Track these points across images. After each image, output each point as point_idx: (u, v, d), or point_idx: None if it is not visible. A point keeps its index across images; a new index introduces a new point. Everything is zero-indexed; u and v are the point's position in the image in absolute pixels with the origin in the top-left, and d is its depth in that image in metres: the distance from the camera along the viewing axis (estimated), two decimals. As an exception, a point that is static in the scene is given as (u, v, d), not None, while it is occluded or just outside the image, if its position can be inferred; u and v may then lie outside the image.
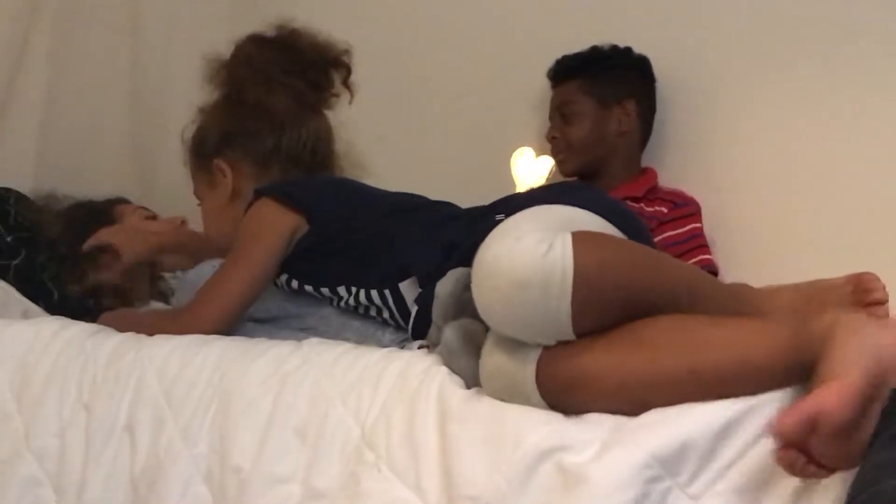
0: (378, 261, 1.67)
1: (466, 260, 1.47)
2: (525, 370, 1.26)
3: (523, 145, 2.60)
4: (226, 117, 1.89)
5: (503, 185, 2.50)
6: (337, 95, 1.93)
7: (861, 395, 1.07)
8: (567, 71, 2.47)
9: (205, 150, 1.90)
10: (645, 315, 1.25)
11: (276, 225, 1.71)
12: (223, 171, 1.87)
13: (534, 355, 1.26)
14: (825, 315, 1.17)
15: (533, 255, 1.20)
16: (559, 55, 2.49)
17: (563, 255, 1.21)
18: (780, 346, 1.17)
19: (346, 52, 1.92)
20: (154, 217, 2.31)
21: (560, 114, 2.47)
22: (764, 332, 1.20)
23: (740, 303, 1.32)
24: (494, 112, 2.65)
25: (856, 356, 1.09)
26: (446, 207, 1.77)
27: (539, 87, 2.56)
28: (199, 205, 1.95)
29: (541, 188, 1.75)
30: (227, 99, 1.90)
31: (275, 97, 1.87)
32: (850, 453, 1.09)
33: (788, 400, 1.16)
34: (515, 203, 1.52)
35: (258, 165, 1.87)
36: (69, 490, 1.50)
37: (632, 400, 1.22)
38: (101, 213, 2.26)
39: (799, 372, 1.15)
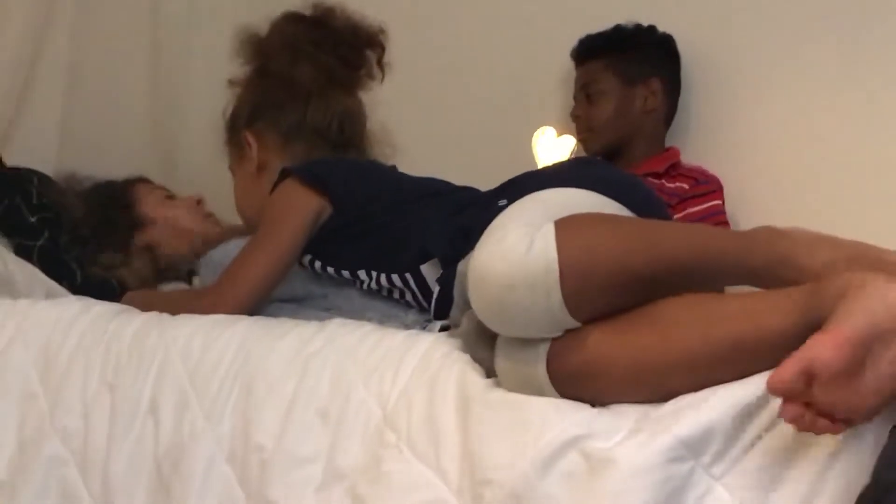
0: (398, 246, 1.68)
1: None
2: (536, 369, 1.24)
3: (545, 125, 2.59)
4: (254, 90, 1.92)
5: (525, 165, 2.49)
6: (371, 77, 1.94)
7: (855, 341, 1.03)
8: (591, 50, 2.46)
9: (236, 124, 1.94)
10: (658, 291, 1.20)
11: (302, 207, 1.72)
12: (249, 143, 1.90)
13: (542, 351, 1.24)
14: (841, 276, 1.12)
15: (515, 255, 1.18)
16: (582, 34, 2.48)
17: (544, 248, 1.17)
18: (794, 309, 1.13)
19: (381, 31, 1.92)
20: (172, 197, 2.32)
21: (584, 93, 2.45)
22: (777, 298, 1.16)
23: (765, 256, 1.21)
24: (517, 91, 2.64)
25: (857, 307, 1.05)
26: (468, 193, 1.77)
27: (561, 66, 2.55)
28: (233, 180, 1.99)
29: (546, 168, 1.74)
30: (257, 71, 1.93)
31: (300, 68, 1.88)
32: (860, 403, 1.05)
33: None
34: (519, 186, 1.51)
35: (283, 138, 1.88)
36: (93, 469, 1.51)
37: (648, 382, 1.20)
38: (119, 193, 2.27)
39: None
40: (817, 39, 2.31)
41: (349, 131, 1.91)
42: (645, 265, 1.19)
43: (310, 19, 1.92)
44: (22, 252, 2.05)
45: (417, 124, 2.60)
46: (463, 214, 1.65)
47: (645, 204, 1.42)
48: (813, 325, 1.09)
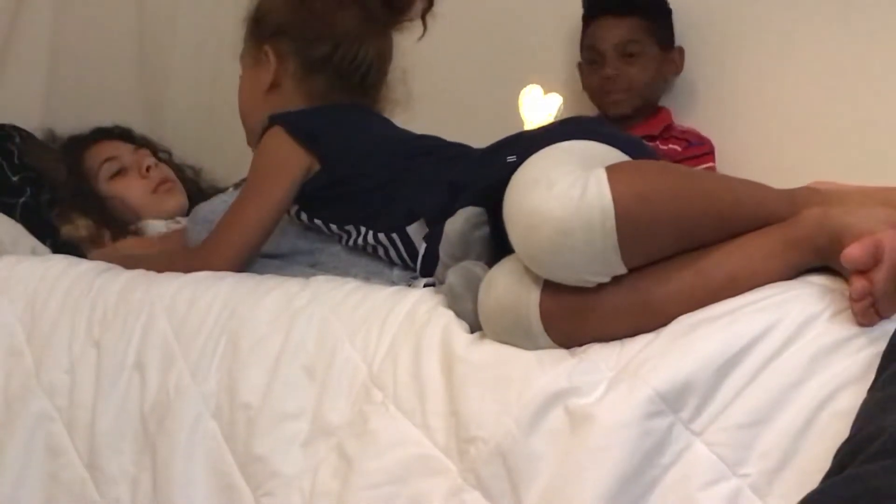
0: (386, 205, 1.67)
1: (475, 199, 1.48)
2: (528, 300, 1.27)
3: (532, 83, 2.57)
4: (289, 11, 1.84)
5: (510, 122, 2.49)
6: (411, 20, 1.88)
7: None
8: (624, 5, 2.38)
9: (259, 28, 1.86)
10: (704, 239, 1.23)
11: (289, 162, 1.71)
12: (269, 58, 1.84)
13: (537, 284, 1.26)
14: (811, 209, 1.24)
15: (569, 200, 1.19)
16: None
17: (599, 193, 1.19)
18: (782, 241, 1.22)
19: None
20: (123, 168, 2.26)
21: (620, 52, 2.38)
22: (766, 233, 1.24)
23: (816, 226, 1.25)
24: (504, 48, 2.62)
25: (876, 220, 1.17)
26: (459, 149, 1.76)
27: (551, 23, 2.54)
28: (240, 74, 1.92)
29: (551, 125, 1.73)
30: None
31: (344, 13, 1.82)
32: None
33: (786, 338, 1.17)
34: (526, 142, 1.51)
35: (305, 69, 1.83)
36: (80, 425, 1.52)
37: (642, 315, 1.24)
38: (84, 165, 2.25)
39: (796, 261, 1.23)
40: (813, 3, 2.30)
41: (372, 79, 1.86)
42: (698, 212, 1.23)
43: None
44: (4, 210, 2.04)
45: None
46: (456, 170, 1.65)
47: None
48: (803, 254, 1.21)
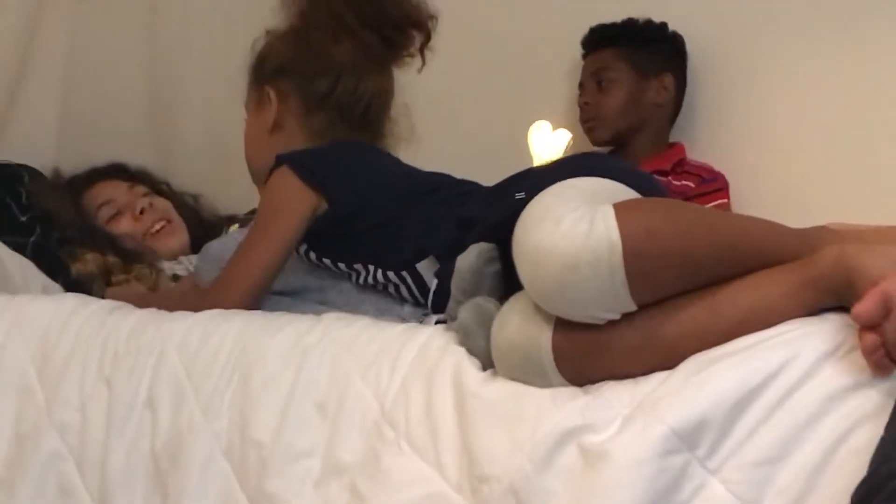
0: (394, 242, 1.68)
1: (485, 235, 1.48)
2: (540, 338, 1.26)
3: (541, 118, 2.59)
4: (287, 50, 1.87)
5: (520, 159, 2.49)
6: (412, 55, 1.89)
7: None
8: (604, 38, 2.45)
9: (260, 72, 1.89)
10: (713, 276, 1.23)
11: (296, 202, 1.72)
12: (270, 99, 1.86)
13: (549, 323, 1.26)
14: (829, 248, 1.22)
15: (577, 236, 1.19)
16: (583, 29, 2.48)
17: (606, 229, 1.19)
18: (799, 281, 1.22)
19: (432, 17, 1.87)
20: (118, 212, 2.26)
21: (595, 80, 2.44)
22: (781, 272, 1.23)
23: (828, 266, 1.24)
24: (513, 85, 2.64)
25: (891, 260, 1.16)
26: (467, 186, 1.77)
27: (559, 60, 2.56)
28: (245, 119, 1.95)
29: (559, 161, 1.73)
30: (295, 33, 1.88)
31: (341, 47, 1.84)
32: None
33: (802, 375, 1.17)
34: (534, 179, 1.51)
35: (306, 106, 1.85)
36: (91, 464, 1.51)
37: (655, 354, 1.23)
38: (80, 186, 2.25)
39: (811, 300, 1.22)
40: (824, 36, 2.31)
41: (373, 113, 1.88)
42: (705, 248, 1.23)
43: None
44: (15, 249, 2.05)
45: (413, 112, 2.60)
46: (465, 207, 1.65)
47: (657, 196, 1.43)
48: (819, 293, 1.20)
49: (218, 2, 2.70)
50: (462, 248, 1.49)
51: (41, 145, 2.39)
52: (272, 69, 1.87)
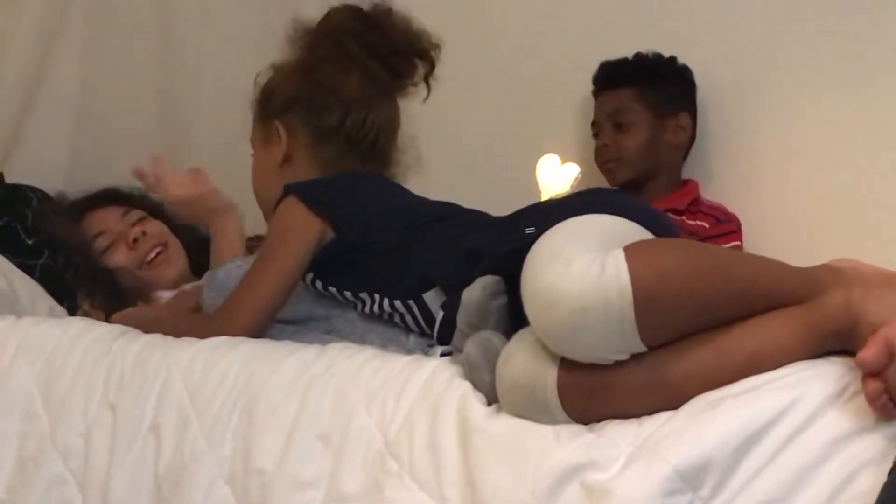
0: (402, 272, 1.68)
1: (492, 268, 1.48)
2: (545, 376, 1.26)
3: (549, 152, 2.59)
4: (296, 84, 1.87)
5: (527, 191, 2.50)
6: (415, 85, 1.90)
7: None
8: (619, 78, 2.45)
9: (268, 107, 1.90)
10: (723, 317, 1.23)
11: (303, 230, 1.72)
12: (280, 134, 1.86)
13: (554, 361, 1.26)
14: (834, 290, 1.23)
15: (587, 278, 1.19)
16: (590, 62, 2.49)
17: (617, 272, 1.19)
18: (806, 322, 1.23)
19: (437, 47, 1.88)
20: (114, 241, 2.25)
21: (613, 122, 2.44)
22: (788, 313, 1.24)
23: (837, 309, 1.25)
24: (521, 117, 2.64)
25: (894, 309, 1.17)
26: (475, 215, 1.77)
27: (567, 93, 2.56)
28: (251, 154, 1.95)
29: (569, 196, 1.73)
30: (303, 65, 1.88)
31: (349, 79, 1.85)
32: None
33: (807, 418, 1.17)
34: (544, 213, 1.52)
35: (316, 139, 1.85)
36: (94, 489, 1.52)
37: (661, 394, 1.23)
38: (75, 216, 2.25)
39: (816, 343, 1.23)
40: (841, 71, 2.30)
41: (382, 144, 1.88)
42: (716, 292, 1.23)
43: (368, 19, 1.86)
44: (24, 271, 2.05)
45: (422, 143, 2.61)
46: (473, 237, 1.66)
47: (670, 236, 1.44)
48: (824, 337, 1.22)
49: (230, 28, 2.72)
50: (469, 279, 1.49)
51: (52, 168, 2.40)
52: (281, 103, 1.88)
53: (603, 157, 2.47)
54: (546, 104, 2.62)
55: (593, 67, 2.52)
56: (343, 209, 1.73)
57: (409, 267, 1.68)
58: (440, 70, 2.09)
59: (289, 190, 1.76)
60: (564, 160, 2.57)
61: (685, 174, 2.48)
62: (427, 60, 1.88)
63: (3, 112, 2.35)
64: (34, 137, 2.39)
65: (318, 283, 1.75)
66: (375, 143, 1.87)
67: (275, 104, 1.89)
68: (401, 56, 1.87)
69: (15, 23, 2.33)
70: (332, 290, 1.74)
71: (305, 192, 1.75)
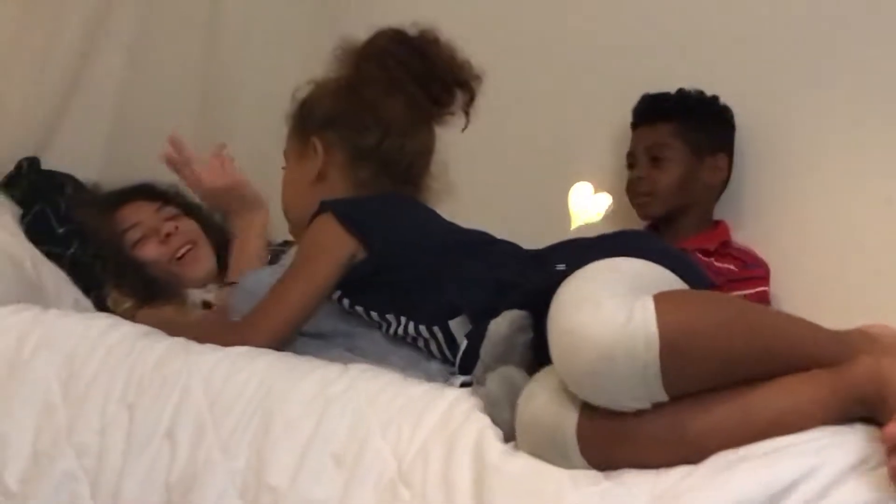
0: (429, 296, 1.68)
1: (520, 302, 1.47)
2: (565, 419, 1.26)
3: (582, 180, 2.58)
4: (338, 101, 1.88)
5: (558, 220, 2.50)
6: (452, 114, 1.91)
7: None
8: (659, 112, 2.44)
9: (306, 123, 1.90)
10: (749, 373, 1.23)
11: (337, 248, 1.72)
12: (316, 150, 1.86)
13: (576, 404, 1.26)
14: (864, 357, 1.22)
15: (614, 325, 1.19)
16: (627, 94, 2.48)
17: (644, 321, 1.19)
18: (832, 389, 1.22)
19: (478, 78, 1.89)
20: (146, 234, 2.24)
21: (649, 156, 2.43)
22: (814, 377, 1.23)
23: (865, 375, 1.23)
24: (556, 145, 2.63)
25: None
26: (508, 247, 1.77)
27: (605, 122, 2.55)
28: (283, 167, 1.95)
29: (602, 237, 1.73)
30: (347, 84, 1.89)
31: (392, 101, 1.85)
32: None
33: (826, 485, 1.16)
34: (575, 251, 1.51)
35: (352, 158, 1.86)
36: (105, 488, 1.52)
37: (681, 449, 1.22)
38: (108, 208, 2.26)
39: (842, 408, 1.21)
40: (875, 119, 2.29)
41: (416, 169, 1.89)
42: (743, 348, 1.23)
43: (414, 45, 1.87)
44: (52, 259, 2.06)
45: (454, 169, 2.61)
46: (503, 269, 1.65)
47: (700, 285, 1.43)
48: (845, 403, 1.21)
49: (276, 30, 2.72)
50: (496, 311, 1.49)
51: (89, 158, 2.40)
52: (321, 120, 1.88)
53: (636, 190, 2.46)
54: (582, 133, 2.61)
55: (631, 99, 2.51)
56: (377, 229, 1.73)
57: (438, 292, 1.68)
58: (482, 93, 2.10)
59: (325, 206, 1.76)
60: (597, 189, 2.56)
61: (717, 215, 2.47)
62: (467, 91, 1.89)
63: (46, 99, 2.35)
64: (74, 126, 2.40)
65: (346, 302, 1.75)
66: (410, 168, 1.88)
67: (314, 120, 1.89)
68: (443, 84, 1.87)
69: (64, 11, 2.33)
70: (359, 309, 1.74)
71: (341, 210, 1.75)
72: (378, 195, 1.84)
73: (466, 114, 1.90)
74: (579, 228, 2.55)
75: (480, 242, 1.78)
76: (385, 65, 1.86)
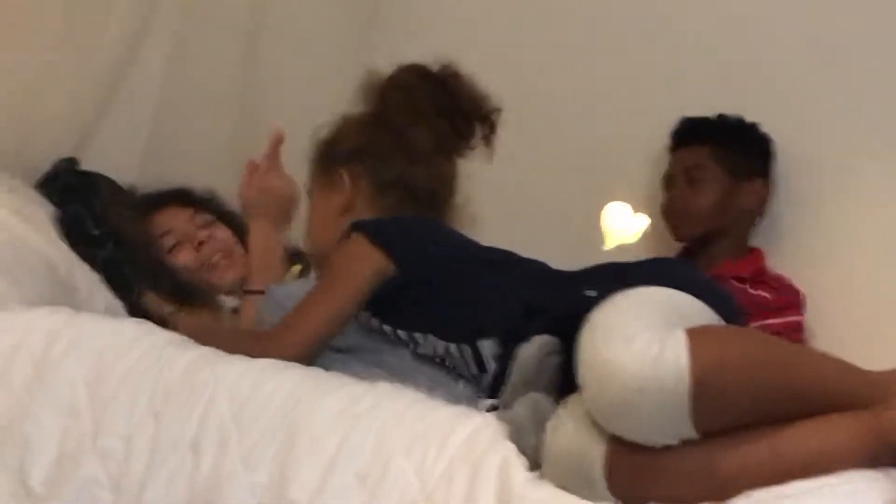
0: (459, 316, 1.68)
1: (550, 327, 1.46)
2: (593, 451, 1.25)
3: (617, 200, 2.56)
4: (364, 133, 1.91)
5: (590, 239, 2.48)
6: (473, 148, 1.94)
7: None
8: (698, 134, 2.42)
9: (333, 156, 1.93)
10: (775, 414, 1.21)
11: (366, 265, 1.72)
12: (344, 181, 1.89)
13: (604, 437, 1.24)
14: None
15: (646, 358, 1.18)
16: (665, 115, 2.46)
17: (676, 357, 1.18)
18: (866, 433, 1.20)
19: (497, 111, 1.92)
20: (179, 242, 2.24)
21: (686, 177, 2.41)
22: (848, 419, 1.21)
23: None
24: (592, 164, 2.62)
25: None
26: (537, 266, 1.76)
27: (644, 143, 2.53)
28: (309, 200, 1.98)
29: (634, 263, 1.72)
30: (373, 117, 1.92)
31: (418, 131, 1.88)
32: None
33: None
34: (609, 278, 1.50)
35: (378, 188, 1.89)
36: (127, 496, 1.52)
37: (710, 486, 1.21)
38: (144, 213, 2.26)
39: (873, 454, 1.19)
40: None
41: (441, 198, 1.92)
42: (775, 388, 1.22)
43: (437, 80, 1.91)
44: (86, 260, 2.06)
45: (487, 186, 2.60)
46: (532, 291, 1.65)
47: (734, 319, 1.42)
48: (882, 449, 1.18)
49: (316, 39, 2.72)
50: (525, 334, 1.48)
51: (127, 161, 2.41)
52: (347, 152, 1.91)
53: (671, 211, 2.44)
54: (619, 154, 2.59)
55: (668, 121, 2.49)
56: (407, 247, 1.74)
57: (467, 312, 1.68)
58: (521, 110, 2.10)
59: (356, 227, 1.77)
60: (635, 210, 2.54)
61: (752, 243, 2.44)
62: (487, 123, 1.92)
63: (87, 100, 2.37)
64: (113, 128, 2.41)
65: (374, 321, 1.75)
66: (435, 195, 1.90)
67: (341, 152, 1.92)
68: (464, 116, 1.90)
69: (107, 15, 2.35)
70: (387, 327, 1.74)
71: (370, 228, 1.76)
72: (406, 217, 1.86)
73: (487, 146, 1.93)
74: (614, 249, 2.53)
75: (508, 262, 1.77)
76: (409, 97, 1.89)
